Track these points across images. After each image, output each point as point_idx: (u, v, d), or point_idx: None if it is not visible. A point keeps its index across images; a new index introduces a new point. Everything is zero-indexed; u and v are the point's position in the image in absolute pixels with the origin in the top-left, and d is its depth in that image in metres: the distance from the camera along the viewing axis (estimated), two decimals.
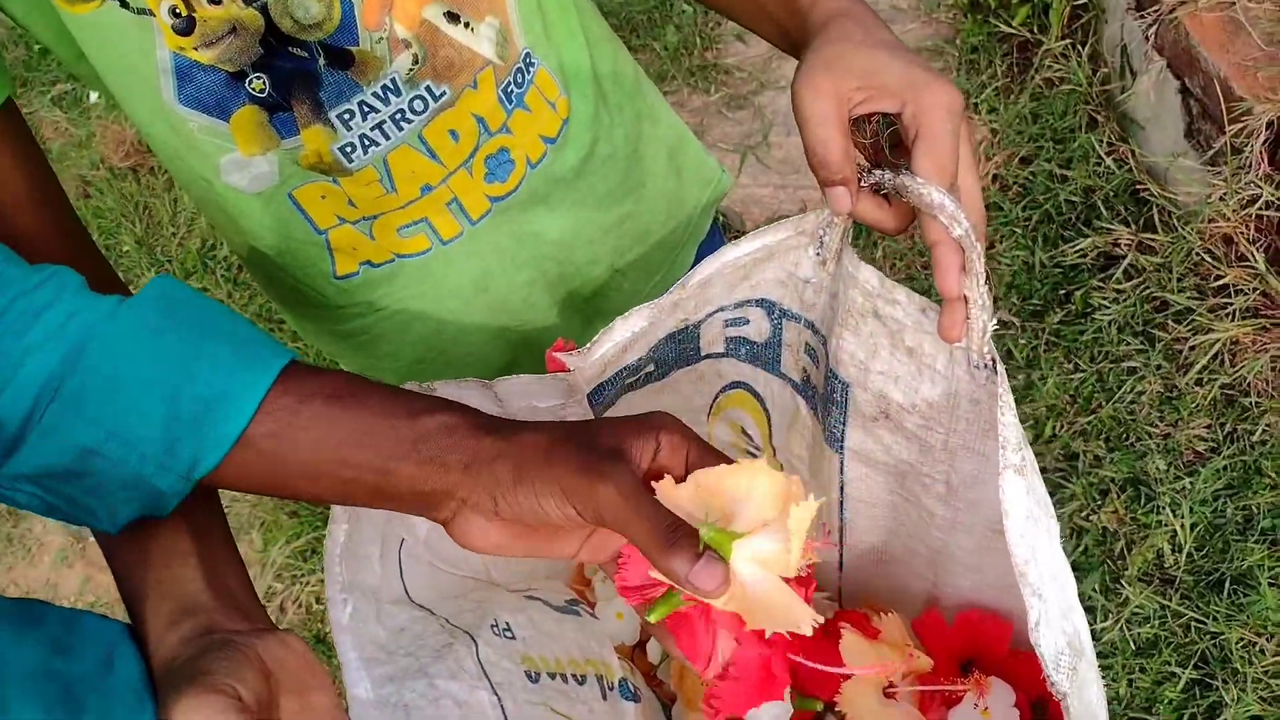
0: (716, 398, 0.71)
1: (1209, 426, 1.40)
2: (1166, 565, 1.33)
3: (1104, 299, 1.51)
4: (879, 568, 0.68)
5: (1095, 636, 1.29)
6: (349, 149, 0.60)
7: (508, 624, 0.66)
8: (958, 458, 0.56)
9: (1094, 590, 1.31)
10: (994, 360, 0.46)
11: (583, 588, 0.77)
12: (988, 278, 0.45)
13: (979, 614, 0.66)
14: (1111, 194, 1.60)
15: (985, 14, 1.84)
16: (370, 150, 0.60)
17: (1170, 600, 1.30)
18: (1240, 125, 1.47)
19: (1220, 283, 1.47)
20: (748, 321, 0.63)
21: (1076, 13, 1.76)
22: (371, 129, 0.59)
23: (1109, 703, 1.26)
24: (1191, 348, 1.44)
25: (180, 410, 0.40)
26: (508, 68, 0.62)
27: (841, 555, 0.72)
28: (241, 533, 1.75)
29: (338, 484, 0.43)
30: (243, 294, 1.99)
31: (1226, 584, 1.29)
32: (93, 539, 1.96)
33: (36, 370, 0.39)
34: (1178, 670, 1.25)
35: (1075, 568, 1.35)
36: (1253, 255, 1.47)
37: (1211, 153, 1.53)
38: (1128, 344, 1.47)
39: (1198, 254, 1.49)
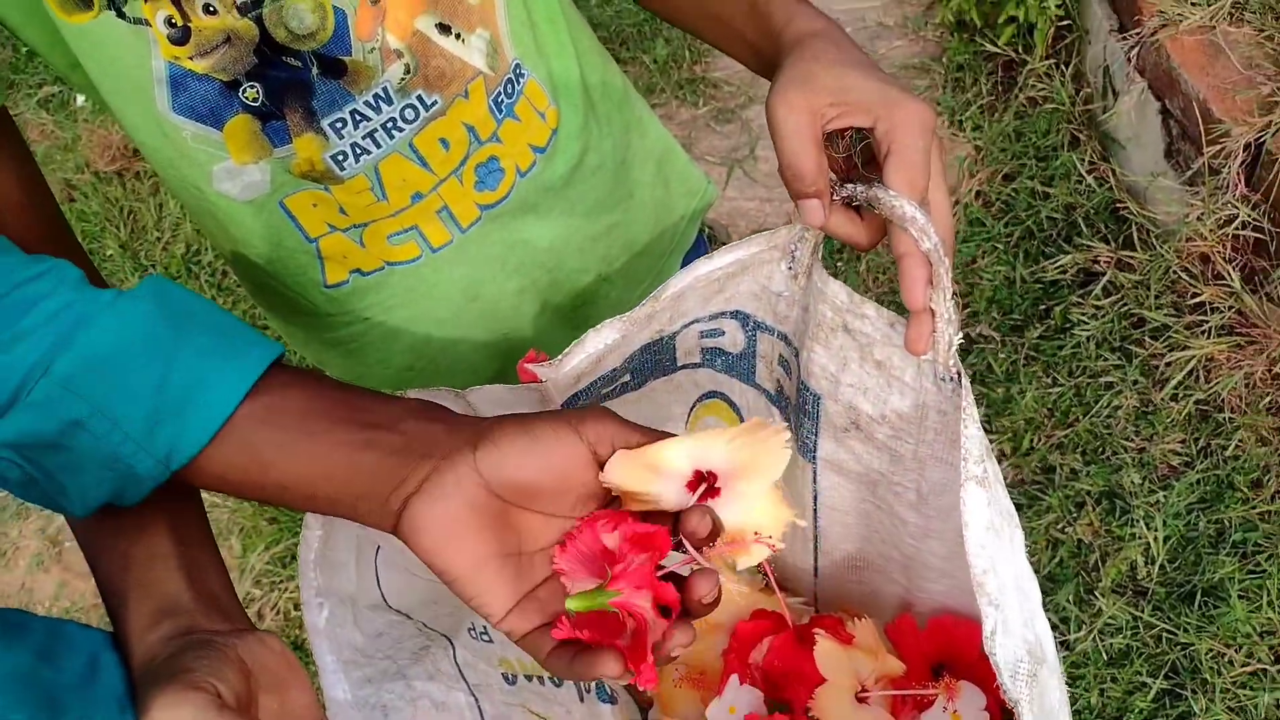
0: (693, 407, 0.71)
1: (1183, 441, 1.43)
2: (1140, 577, 1.35)
3: (1083, 315, 1.54)
4: (853, 574, 0.69)
5: (1068, 647, 1.31)
6: (340, 157, 0.60)
7: (485, 628, 0.66)
8: (927, 467, 0.57)
9: (1068, 601, 1.33)
10: (959, 374, 0.48)
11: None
12: (954, 292, 0.46)
13: (951, 619, 0.67)
14: (1092, 211, 1.62)
15: (971, 33, 1.86)
16: (362, 158, 0.61)
17: (1143, 611, 1.32)
18: (1218, 146, 1.50)
19: (1196, 300, 1.49)
20: (723, 333, 0.63)
21: (1060, 33, 1.79)
22: (363, 137, 0.60)
23: (1079, 712, 1.28)
24: (1167, 364, 1.47)
25: (166, 394, 0.41)
26: (498, 78, 0.63)
27: (816, 562, 0.72)
28: (221, 538, 1.75)
29: (316, 473, 0.42)
30: (226, 300, 2.00)
31: (1198, 596, 1.31)
32: (69, 544, 1.95)
33: (26, 353, 0.40)
34: (1149, 680, 1.27)
35: (1050, 579, 1.37)
36: (1229, 274, 1.50)
37: (1190, 173, 1.55)
38: (1105, 359, 1.50)
39: (1175, 272, 1.52)
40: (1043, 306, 1.58)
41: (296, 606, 1.67)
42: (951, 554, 0.63)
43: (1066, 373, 1.51)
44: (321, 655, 0.57)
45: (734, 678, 0.67)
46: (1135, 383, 1.47)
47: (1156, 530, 1.35)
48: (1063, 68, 1.76)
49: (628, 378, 0.66)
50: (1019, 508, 1.43)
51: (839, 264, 1.72)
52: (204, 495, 0.51)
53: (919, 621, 0.69)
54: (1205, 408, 1.45)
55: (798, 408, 0.61)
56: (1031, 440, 1.46)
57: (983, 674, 0.67)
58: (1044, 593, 1.35)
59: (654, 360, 0.65)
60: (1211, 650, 1.27)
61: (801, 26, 0.53)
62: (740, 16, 0.58)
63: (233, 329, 0.43)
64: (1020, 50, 1.80)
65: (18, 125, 0.57)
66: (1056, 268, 1.58)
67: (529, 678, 0.66)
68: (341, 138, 0.60)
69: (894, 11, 2.00)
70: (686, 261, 0.84)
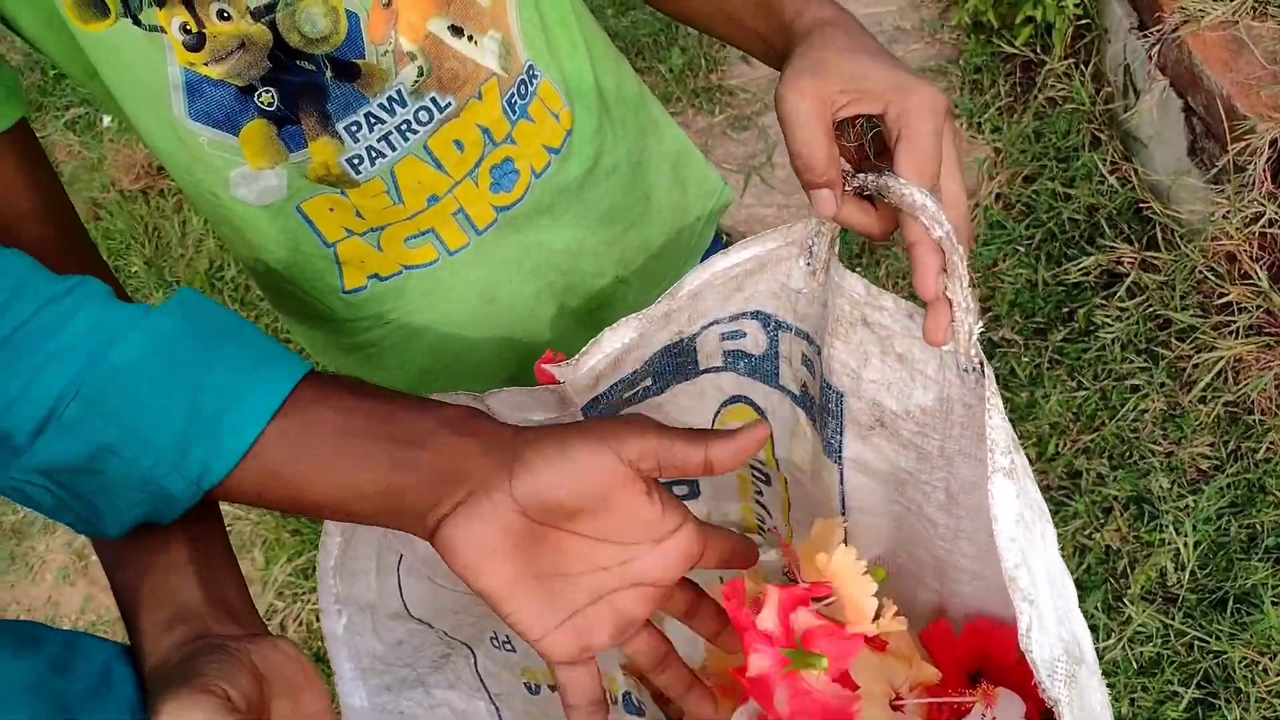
0: (718, 413, 0.70)
1: (1212, 444, 1.40)
2: (1169, 584, 1.32)
3: (1107, 317, 1.51)
4: (889, 577, 0.68)
5: (1097, 655, 1.29)
6: (356, 160, 0.60)
7: (507, 637, 0.65)
8: (955, 464, 0.56)
9: (1096, 609, 1.30)
10: (981, 363, 0.46)
11: None
12: (971, 280, 0.45)
13: (986, 623, 0.65)
14: (1114, 212, 1.60)
15: (988, 34, 1.85)
16: (378, 161, 0.61)
17: (1173, 619, 1.29)
18: (1243, 143, 1.48)
19: (1224, 300, 1.47)
20: (744, 334, 0.62)
21: (1079, 32, 1.77)
22: (378, 140, 0.60)
23: None
24: (1195, 365, 1.44)
25: (197, 415, 0.41)
26: (511, 79, 0.63)
27: None
28: (243, 550, 1.76)
29: (349, 491, 0.42)
30: (249, 314, 2.01)
31: (1230, 603, 1.28)
32: (94, 557, 1.97)
33: (57, 376, 0.40)
34: (1180, 689, 1.24)
35: (1078, 586, 1.33)
36: (1256, 273, 1.47)
37: (1215, 171, 1.53)
38: (1131, 362, 1.47)
39: (1201, 272, 1.49)
40: (1066, 309, 1.55)
41: (319, 618, 1.67)
42: (983, 555, 0.61)
43: (1091, 376, 1.48)
44: (339, 662, 0.56)
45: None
46: (1162, 385, 1.45)
47: (1186, 535, 1.32)
48: (1082, 67, 1.74)
49: (649, 381, 0.65)
50: None
51: (857, 269, 1.71)
52: (225, 507, 0.52)
53: (954, 627, 0.67)
54: (1235, 410, 1.42)
55: (821, 407, 0.59)
56: (1057, 445, 1.44)
57: (1020, 680, 0.65)
58: None
59: (675, 363, 0.64)
60: (1245, 658, 1.24)
61: (812, 16, 0.52)
62: (751, 10, 0.57)
63: (262, 344, 0.43)
64: (1038, 50, 1.79)
65: (44, 146, 0.57)
66: (1079, 269, 1.56)
67: (553, 688, 0.65)
68: (356, 141, 0.60)
69: (910, 15, 1.99)
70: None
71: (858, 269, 1.70)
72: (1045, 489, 1.43)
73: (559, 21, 0.66)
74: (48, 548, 1.92)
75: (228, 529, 0.52)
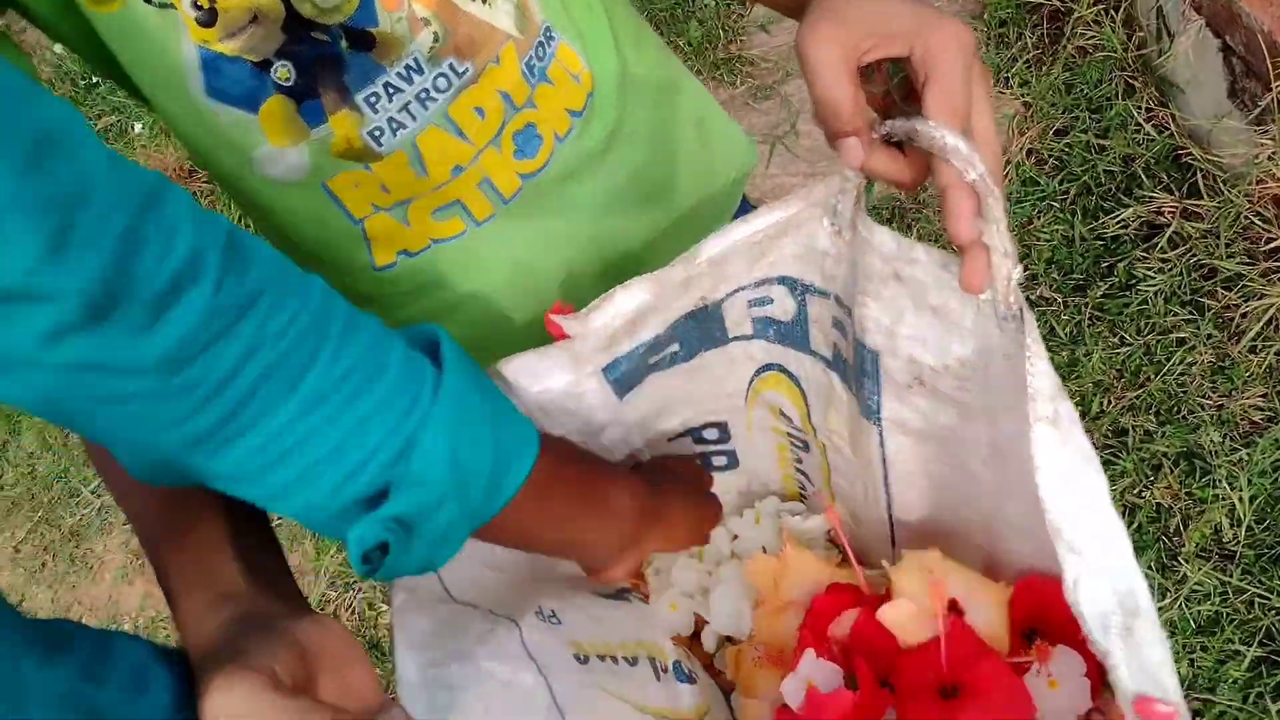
0: (752, 381, 0.69)
1: (1265, 395, 1.36)
2: (1225, 540, 1.28)
3: (1148, 269, 1.47)
4: (932, 541, 0.66)
5: None
6: (378, 133, 0.60)
7: (553, 611, 0.65)
8: (998, 417, 0.54)
9: (1150, 568, 1.27)
10: (1021, 309, 0.44)
11: (637, 580, 0.76)
12: (1008, 223, 0.43)
13: (1038, 579, 0.63)
14: (1152, 161, 1.55)
15: None
16: (399, 133, 0.60)
17: (1231, 576, 1.25)
18: None
19: (1272, 246, 1.42)
20: (771, 300, 0.61)
21: None
22: (398, 111, 0.60)
23: None
24: (1243, 315, 1.40)
25: (495, 474, 0.46)
26: (529, 42, 0.62)
27: (893, 531, 0.70)
28: (295, 542, 1.77)
29: (551, 546, 0.56)
30: None
31: None
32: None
33: (380, 463, 0.43)
34: (1242, 648, 1.21)
35: None
36: None
37: (1258, 111, 1.48)
38: (1175, 314, 1.43)
39: (1246, 218, 1.44)
40: (1105, 264, 1.51)
41: (370, 606, 1.68)
42: (1032, 511, 0.59)
43: (1134, 331, 1.44)
44: (396, 635, 0.58)
45: (809, 652, 0.64)
46: (1209, 337, 1.40)
47: (1241, 490, 1.28)
48: (1112, 13, 1.69)
49: (676, 347, 0.64)
50: None
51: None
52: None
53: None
54: None
55: (857, 368, 0.58)
56: (1102, 403, 1.40)
57: (1076, 637, 0.64)
58: None
59: (702, 330, 0.63)
60: None
61: None
62: None
63: (503, 398, 0.49)
64: None
65: None
66: (1117, 222, 1.52)
67: (601, 658, 0.65)
68: (376, 112, 0.59)
69: None
70: None
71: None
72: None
73: None
74: (105, 548, 1.96)
75: (277, 523, 0.52)
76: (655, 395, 0.67)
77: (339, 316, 0.42)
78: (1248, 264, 1.42)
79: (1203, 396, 1.38)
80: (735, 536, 0.77)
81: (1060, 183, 1.59)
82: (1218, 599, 1.24)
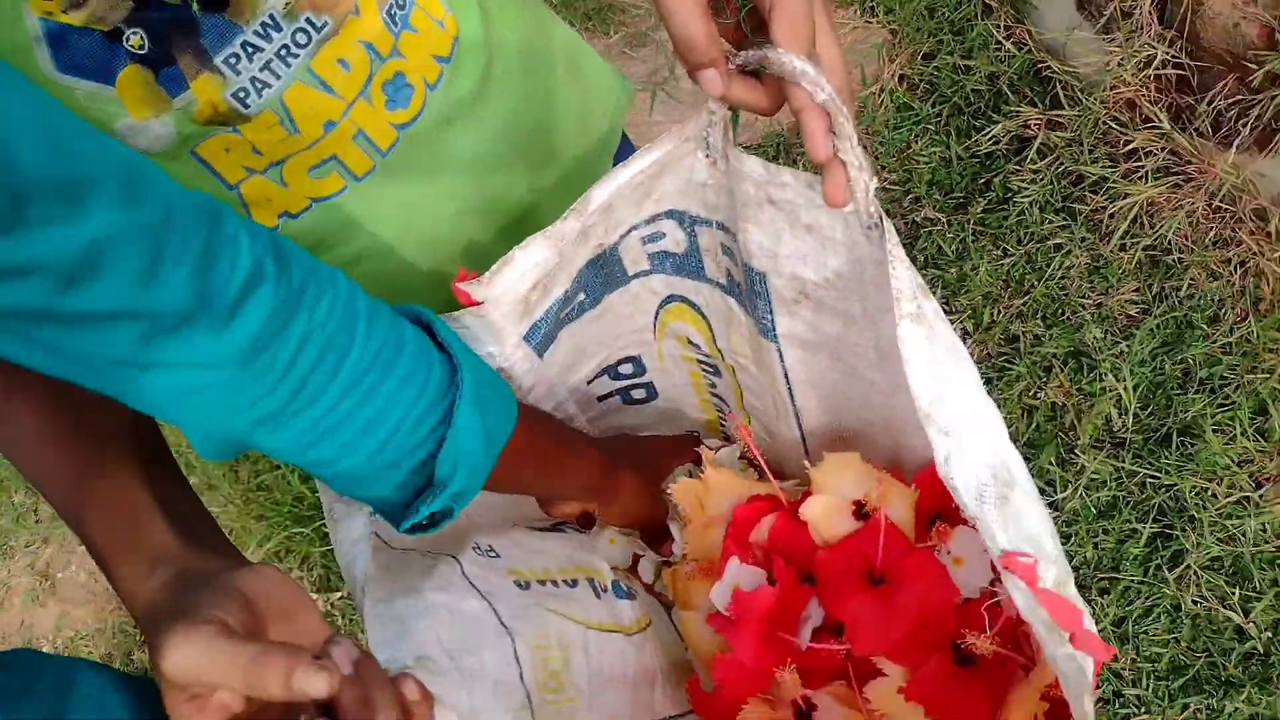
0: (657, 315, 0.71)
1: (1138, 290, 1.44)
2: (1115, 429, 1.36)
3: (1022, 182, 1.53)
4: (841, 445, 0.70)
5: (1057, 508, 1.33)
6: (242, 94, 0.59)
7: (490, 545, 0.67)
8: (878, 321, 0.57)
9: (1050, 463, 1.34)
10: (881, 217, 0.47)
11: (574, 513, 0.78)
12: (861, 140, 0.45)
13: (934, 470, 0.67)
14: (1015, 77, 1.61)
15: None
16: (264, 92, 0.59)
17: (1124, 461, 1.33)
18: None
19: (1130, 148, 1.49)
20: (664, 235, 0.63)
21: None
22: (260, 70, 0.59)
23: (1078, 568, 1.30)
24: (1111, 215, 1.47)
25: (500, 427, 0.54)
26: None
27: (803, 439, 0.73)
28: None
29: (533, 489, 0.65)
30: None
31: (1174, 437, 1.33)
32: (62, 574, 1.92)
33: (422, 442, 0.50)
34: (1139, 527, 1.29)
35: (1030, 445, 1.38)
36: (1156, 116, 1.50)
37: (1104, 20, 1.54)
38: (1050, 221, 1.50)
39: (1104, 123, 1.52)
40: (982, 180, 1.57)
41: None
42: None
43: (1015, 241, 1.51)
44: (354, 575, 0.60)
45: (733, 560, 0.69)
46: (1083, 240, 1.48)
47: (1125, 380, 1.36)
48: None
49: (582, 296, 0.66)
50: (988, 381, 1.44)
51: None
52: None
53: (906, 477, 0.69)
54: (1154, 253, 1.45)
55: (748, 290, 0.60)
56: (992, 313, 1.46)
57: None
58: (1025, 459, 1.35)
59: (604, 274, 0.65)
60: (1194, 487, 1.29)
61: None
62: None
63: (495, 378, 0.55)
64: None
65: None
66: (989, 139, 1.57)
67: (541, 583, 0.67)
68: (239, 74, 0.58)
69: None
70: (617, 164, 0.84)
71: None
72: (986, 358, 1.45)
73: None
74: (9, 573, 1.88)
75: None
76: (570, 346, 0.68)
77: (362, 298, 0.48)
78: (1110, 167, 1.49)
79: (1082, 297, 1.45)
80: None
81: (933, 105, 1.64)
82: (1114, 484, 1.32)
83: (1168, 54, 1.49)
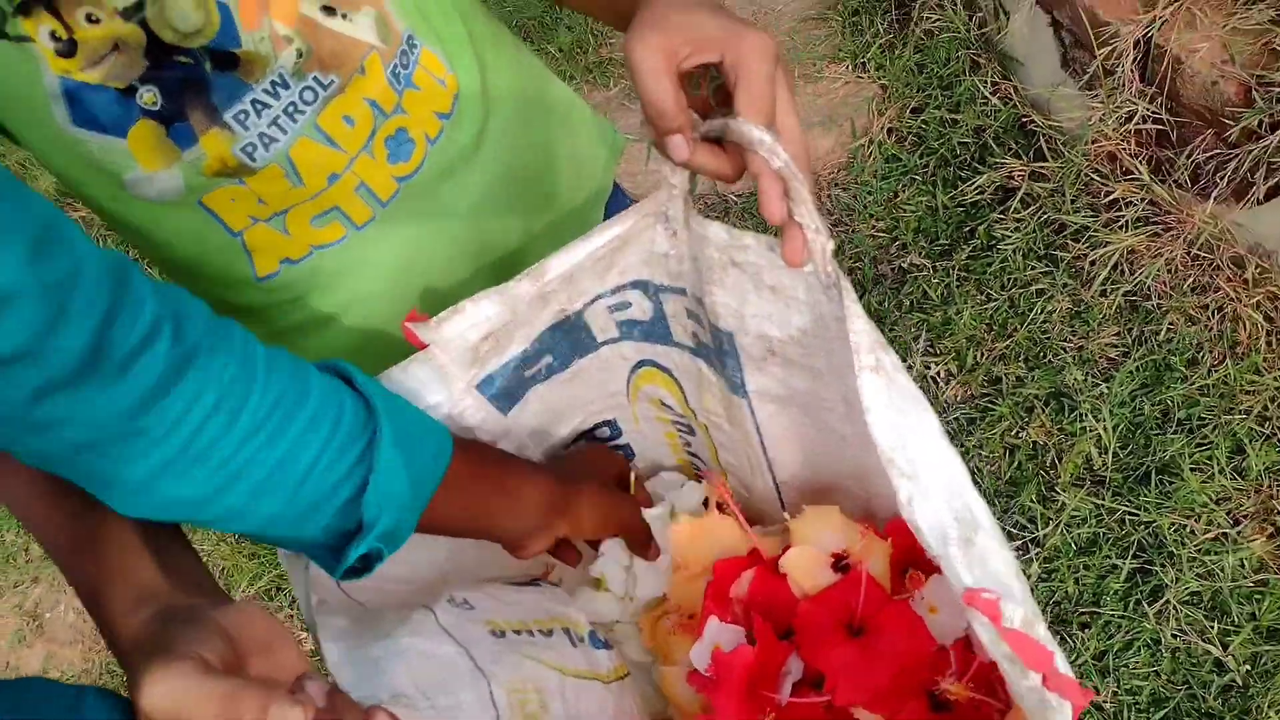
0: (630, 378, 0.73)
1: (1118, 333, 1.48)
2: (1096, 467, 1.40)
3: (1006, 230, 1.59)
4: (815, 497, 0.71)
5: (1039, 544, 1.37)
6: (250, 149, 0.61)
7: (465, 599, 0.67)
8: (844, 376, 0.59)
9: (1032, 500, 1.38)
10: (838, 276, 0.51)
11: (549, 570, 0.79)
12: (818, 203, 0.50)
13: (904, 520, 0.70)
14: (1001, 130, 1.67)
15: None
16: (271, 147, 0.61)
17: (1104, 499, 1.37)
18: (1109, 48, 1.56)
19: (1111, 198, 1.55)
20: (630, 304, 0.65)
21: None
22: (268, 125, 0.60)
23: (1059, 603, 1.33)
24: (1092, 262, 1.52)
25: (428, 470, 0.55)
26: (392, 51, 0.64)
27: (779, 492, 0.75)
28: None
29: (470, 530, 0.61)
30: None
31: (1153, 475, 1.37)
32: (49, 614, 1.94)
33: (349, 475, 0.51)
34: (1119, 562, 1.33)
35: (1012, 483, 1.42)
36: (1137, 168, 1.56)
37: (1087, 77, 1.61)
38: (1033, 268, 1.55)
39: (1086, 174, 1.57)
40: (967, 228, 1.63)
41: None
42: None
43: (999, 287, 1.56)
44: (318, 632, 0.59)
45: (712, 619, 0.69)
46: (1065, 285, 1.53)
47: (1104, 421, 1.41)
48: None
49: (550, 359, 0.67)
50: (970, 422, 1.48)
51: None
52: (187, 531, 0.56)
53: (878, 528, 0.71)
54: (1134, 298, 1.50)
55: (717, 350, 0.63)
56: (975, 356, 1.51)
57: None
58: (1008, 497, 1.41)
59: (571, 339, 0.67)
60: (1173, 524, 1.33)
61: None
62: None
63: (415, 408, 0.57)
64: None
65: None
66: (975, 189, 1.63)
67: (517, 632, 0.67)
68: (247, 129, 0.60)
69: None
70: (609, 212, 0.86)
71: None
72: (969, 399, 1.50)
73: None
74: None
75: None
76: (541, 407, 0.70)
77: (259, 351, 0.50)
78: (1091, 216, 1.55)
79: (1064, 340, 1.50)
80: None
81: (920, 157, 1.70)
82: (1094, 521, 1.36)
83: (1148, 110, 1.55)
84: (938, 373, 1.52)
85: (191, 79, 0.57)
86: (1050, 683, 0.46)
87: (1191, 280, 1.49)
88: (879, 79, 1.79)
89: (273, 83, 0.59)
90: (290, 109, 0.61)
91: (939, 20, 1.80)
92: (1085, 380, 1.45)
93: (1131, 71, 1.59)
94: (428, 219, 0.71)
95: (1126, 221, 1.52)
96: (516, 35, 2.00)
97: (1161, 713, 1.24)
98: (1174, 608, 1.28)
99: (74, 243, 0.41)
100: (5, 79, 0.54)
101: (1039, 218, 1.58)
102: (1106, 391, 1.43)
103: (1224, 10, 1.48)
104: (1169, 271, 1.50)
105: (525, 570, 0.78)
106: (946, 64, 1.76)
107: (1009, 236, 1.57)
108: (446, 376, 0.60)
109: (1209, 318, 1.46)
